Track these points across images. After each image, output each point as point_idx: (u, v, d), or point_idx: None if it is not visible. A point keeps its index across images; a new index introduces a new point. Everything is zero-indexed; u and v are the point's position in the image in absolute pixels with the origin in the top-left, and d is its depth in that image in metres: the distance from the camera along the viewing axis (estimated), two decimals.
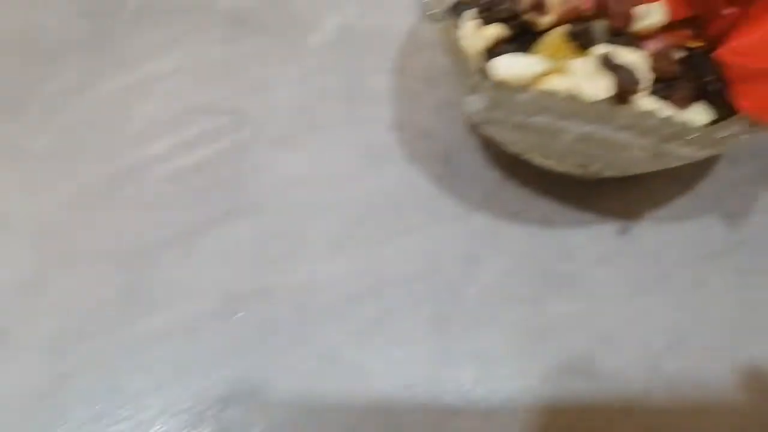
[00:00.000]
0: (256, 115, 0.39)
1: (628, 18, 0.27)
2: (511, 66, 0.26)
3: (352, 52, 0.41)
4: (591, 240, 0.35)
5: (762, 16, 0.25)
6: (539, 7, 0.27)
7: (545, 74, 0.26)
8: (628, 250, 0.34)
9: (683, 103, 0.26)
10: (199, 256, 0.34)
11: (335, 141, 0.38)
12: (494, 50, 0.27)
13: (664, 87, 0.27)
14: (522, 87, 0.26)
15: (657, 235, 0.34)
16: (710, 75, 0.26)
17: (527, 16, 0.27)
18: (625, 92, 0.25)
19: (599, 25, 0.27)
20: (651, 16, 0.27)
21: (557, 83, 0.26)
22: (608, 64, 0.25)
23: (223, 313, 0.32)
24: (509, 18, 0.28)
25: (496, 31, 0.27)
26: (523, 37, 0.28)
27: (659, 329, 0.32)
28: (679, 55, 0.27)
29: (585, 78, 0.25)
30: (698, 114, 0.27)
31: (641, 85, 0.26)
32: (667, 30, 0.28)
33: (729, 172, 0.37)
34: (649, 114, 0.25)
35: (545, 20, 0.27)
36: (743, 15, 0.26)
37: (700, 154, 0.27)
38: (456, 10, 0.29)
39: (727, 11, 0.27)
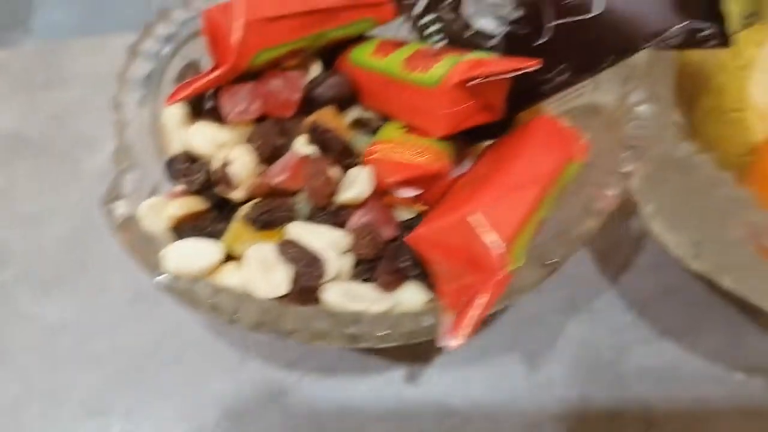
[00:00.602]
0: (22, 251, 0.36)
1: (325, 193, 0.23)
2: (183, 256, 0.23)
3: None
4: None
5: (443, 206, 0.22)
6: (226, 181, 0.24)
7: (222, 263, 0.23)
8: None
9: (392, 284, 0.23)
10: None
11: (105, 284, 0.34)
12: (185, 227, 0.24)
13: (367, 268, 0.24)
14: (196, 278, 0.23)
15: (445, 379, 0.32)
16: (405, 257, 0.23)
17: (218, 190, 0.24)
18: (304, 289, 0.22)
19: (301, 201, 0.24)
20: (355, 187, 0.24)
21: (231, 276, 0.23)
22: (288, 253, 0.22)
23: None
24: (205, 189, 0.25)
25: (180, 208, 0.24)
26: (224, 210, 0.25)
27: None
28: (388, 230, 0.24)
29: (260, 270, 0.22)
30: (411, 296, 0.24)
31: (325, 277, 0.22)
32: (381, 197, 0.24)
33: (530, 305, 0.34)
34: (321, 313, 0.21)
35: (236, 195, 0.24)
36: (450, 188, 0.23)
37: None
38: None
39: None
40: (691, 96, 0.28)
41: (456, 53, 0.24)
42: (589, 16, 0.23)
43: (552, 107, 0.30)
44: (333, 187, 0.24)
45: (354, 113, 0.28)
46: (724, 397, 0.32)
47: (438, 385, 0.32)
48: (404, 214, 0.25)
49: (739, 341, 0.33)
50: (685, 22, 0.23)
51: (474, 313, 0.19)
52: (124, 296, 0.33)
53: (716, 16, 0.22)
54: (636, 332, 0.33)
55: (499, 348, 0.33)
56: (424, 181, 0.23)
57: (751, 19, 0.27)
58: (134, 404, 0.31)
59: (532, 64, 0.22)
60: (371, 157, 0.23)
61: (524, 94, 0.27)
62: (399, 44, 0.27)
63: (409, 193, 0.22)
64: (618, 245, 0.36)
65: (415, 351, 0.33)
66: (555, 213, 0.24)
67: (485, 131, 0.26)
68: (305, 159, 0.24)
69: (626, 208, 0.35)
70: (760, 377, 0.32)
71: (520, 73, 0.22)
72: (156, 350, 0.32)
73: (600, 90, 0.28)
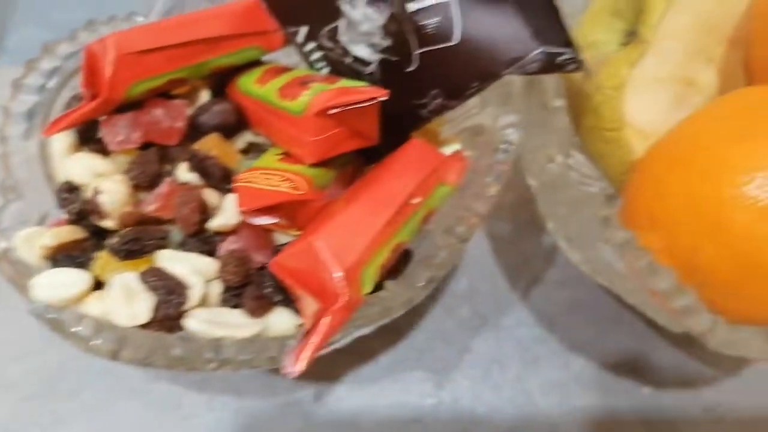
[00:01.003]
0: None
1: (192, 222, 0.24)
2: (51, 285, 0.23)
3: None
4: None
5: (304, 232, 0.22)
6: (98, 211, 0.24)
7: (90, 292, 0.23)
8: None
9: (258, 309, 0.24)
10: None
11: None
12: (60, 256, 0.25)
13: (235, 294, 0.24)
14: (63, 307, 0.23)
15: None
16: (269, 283, 0.23)
17: (92, 219, 0.25)
18: (165, 317, 0.23)
19: (175, 229, 0.25)
20: (223, 214, 0.24)
21: (95, 305, 0.23)
22: (149, 281, 0.23)
23: None
24: (81, 218, 0.25)
25: (53, 238, 0.24)
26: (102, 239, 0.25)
27: None
28: (260, 256, 0.24)
29: (123, 299, 0.23)
30: (280, 320, 0.24)
31: (188, 304, 0.23)
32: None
33: (439, 321, 0.34)
34: (177, 340, 0.22)
35: (108, 224, 0.24)
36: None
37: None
38: None
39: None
40: (575, 115, 0.29)
41: (324, 82, 0.25)
42: (450, 44, 0.24)
43: (447, 127, 0.31)
44: (202, 215, 0.24)
45: (246, 138, 0.29)
46: (632, 410, 0.32)
47: (346, 402, 0.32)
48: (283, 239, 0.25)
49: (647, 355, 0.33)
50: (541, 49, 0.23)
51: (314, 340, 0.20)
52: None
53: (569, 42, 0.23)
54: (544, 347, 0.34)
55: (408, 365, 0.33)
56: (289, 208, 0.23)
57: (628, 38, 0.28)
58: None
59: (382, 94, 0.22)
60: (236, 184, 0.23)
61: (407, 117, 0.27)
62: (283, 71, 0.28)
63: (268, 220, 0.22)
64: (528, 260, 0.36)
65: (323, 370, 0.33)
66: (421, 236, 0.25)
67: (380, 154, 0.27)
68: (176, 187, 0.25)
69: (537, 224, 0.36)
70: (667, 390, 0.33)
71: (373, 102, 0.22)
72: (62, 376, 0.32)
73: (484, 112, 0.28)
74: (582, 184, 0.31)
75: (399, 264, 0.25)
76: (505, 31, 0.23)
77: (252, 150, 0.29)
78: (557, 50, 0.23)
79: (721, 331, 0.23)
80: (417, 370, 0.33)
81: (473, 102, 0.29)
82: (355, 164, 0.28)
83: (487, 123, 0.28)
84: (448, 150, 0.29)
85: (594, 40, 0.29)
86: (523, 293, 0.35)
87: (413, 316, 0.34)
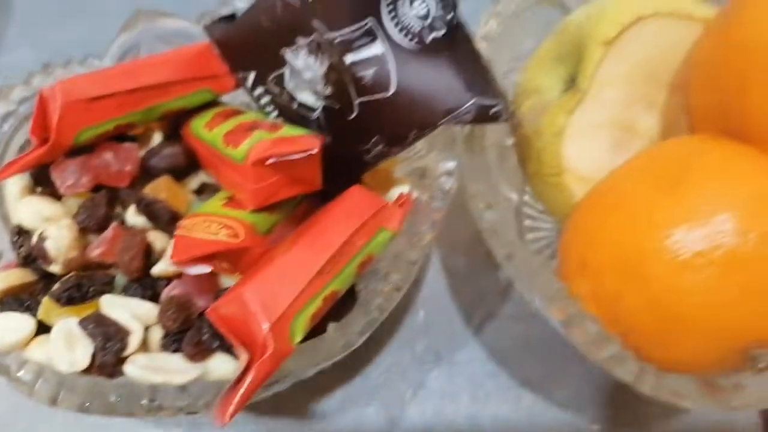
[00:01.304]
0: None
1: (133, 267, 0.24)
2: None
3: None
4: None
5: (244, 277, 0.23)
6: (44, 257, 0.25)
7: (35, 337, 0.24)
8: None
9: (196, 355, 0.24)
10: None
11: None
12: (8, 299, 0.25)
13: (175, 339, 0.25)
14: (7, 351, 0.24)
15: None
16: (207, 329, 0.24)
17: (40, 264, 0.25)
18: (104, 363, 0.23)
19: (119, 273, 0.25)
20: (167, 260, 0.25)
21: (39, 350, 0.24)
22: (88, 328, 0.23)
23: None
24: (30, 262, 0.26)
25: (3, 280, 0.25)
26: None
27: None
28: (203, 301, 0.25)
29: (64, 345, 0.23)
30: (220, 366, 0.25)
31: (128, 350, 0.23)
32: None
33: (394, 356, 0.35)
34: (114, 386, 0.22)
35: (54, 269, 0.25)
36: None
37: None
38: None
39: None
40: (521, 160, 0.30)
41: (267, 129, 0.25)
42: (387, 95, 0.25)
43: (400, 167, 0.32)
44: (145, 260, 0.25)
45: (201, 178, 0.30)
46: None
47: None
48: (228, 282, 0.26)
49: (597, 391, 0.34)
50: (474, 100, 0.24)
51: (239, 392, 0.20)
52: None
53: (498, 94, 0.23)
54: (495, 382, 0.34)
55: (361, 400, 0.34)
56: (228, 255, 0.24)
57: (570, 85, 0.28)
58: None
59: (315, 147, 0.23)
60: (175, 232, 0.24)
61: (352, 161, 0.28)
62: (233, 114, 0.28)
63: (203, 269, 0.23)
64: (483, 296, 0.36)
65: (279, 405, 0.33)
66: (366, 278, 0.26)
67: (331, 195, 0.27)
68: (120, 232, 0.25)
69: (493, 260, 0.36)
70: (616, 428, 0.33)
71: (308, 153, 0.23)
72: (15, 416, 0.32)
73: (429, 156, 0.29)
74: (533, 219, 0.31)
75: (342, 308, 0.26)
76: (440, 83, 0.24)
77: (206, 190, 0.30)
78: (489, 102, 0.24)
79: (649, 379, 0.23)
80: (371, 405, 0.34)
81: (421, 144, 0.30)
82: (308, 205, 0.29)
83: (431, 167, 0.28)
84: (397, 191, 0.29)
85: (538, 85, 0.30)
86: (477, 328, 0.36)
87: (370, 350, 0.35)
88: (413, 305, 0.36)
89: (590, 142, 0.27)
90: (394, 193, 0.28)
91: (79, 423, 0.32)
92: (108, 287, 0.25)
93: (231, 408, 0.20)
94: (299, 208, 0.28)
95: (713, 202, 0.21)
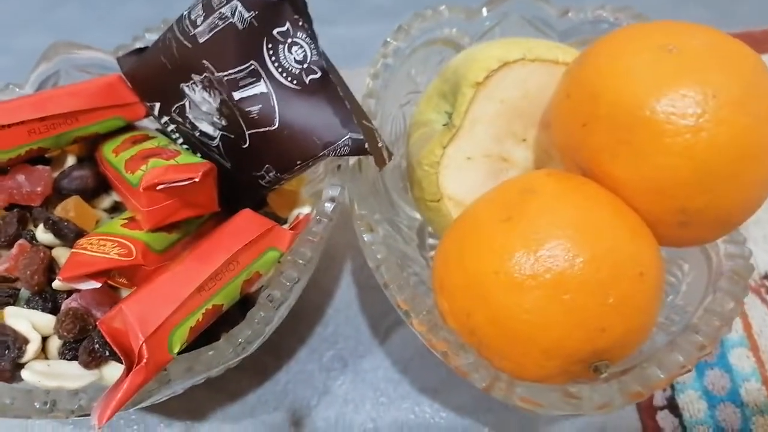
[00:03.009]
0: None
1: (35, 282, 0.27)
2: None
3: None
4: None
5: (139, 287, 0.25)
6: None
7: None
8: None
9: (90, 362, 0.26)
10: None
11: None
12: None
13: (71, 348, 0.27)
14: None
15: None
16: (99, 339, 0.26)
17: None
18: (1, 369, 0.25)
19: (23, 288, 0.27)
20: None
21: None
22: None
23: None
24: None
25: None
26: None
27: None
28: (100, 312, 0.27)
29: None
30: (114, 372, 0.27)
31: (25, 358, 0.26)
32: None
33: (302, 364, 0.37)
34: (8, 390, 0.24)
35: None
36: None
37: None
38: None
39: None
40: (409, 186, 0.32)
41: (163, 157, 0.28)
42: (273, 128, 0.27)
43: (306, 189, 0.34)
44: (47, 275, 0.27)
45: (113, 197, 0.32)
46: None
47: None
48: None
49: (488, 399, 0.36)
50: (349, 135, 0.26)
51: (116, 396, 0.23)
52: None
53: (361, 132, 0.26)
54: (396, 389, 0.37)
55: (271, 405, 0.36)
56: (123, 270, 0.26)
57: (447, 123, 0.31)
58: None
59: (197, 174, 0.25)
60: (72, 249, 0.26)
61: (251, 186, 0.30)
62: (140, 140, 0.31)
63: (93, 285, 0.25)
64: (390, 308, 0.39)
65: (194, 407, 0.36)
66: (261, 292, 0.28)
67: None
68: (25, 248, 0.27)
69: None
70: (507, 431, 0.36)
71: (193, 181, 0.26)
72: None
73: (323, 181, 0.32)
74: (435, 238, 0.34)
75: (235, 318, 0.28)
76: (318, 119, 0.27)
77: (119, 208, 0.32)
78: (362, 137, 0.27)
79: (500, 386, 0.26)
80: (279, 410, 0.36)
81: (320, 169, 0.32)
82: (215, 223, 0.31)
83: (323, 191, 0.31)
84: (302, 211, 0.32)
85: (427, 118, 0.32)
86: (383, 338, 0.38)
87: (281, 357, 0.37)
88: (324, 316, 0.39)
89: (466, 171, 0.30)
90: (300, 212, 0.31)
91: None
92: (12, 299, 0.27)
93: (108, 411, 0.22)
94: (204, 227, 0.31)
95: (545, 230, 0.24)
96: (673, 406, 0.36)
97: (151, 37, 0.32)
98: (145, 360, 0.23)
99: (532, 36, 0.35)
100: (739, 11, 0.54)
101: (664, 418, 0.36)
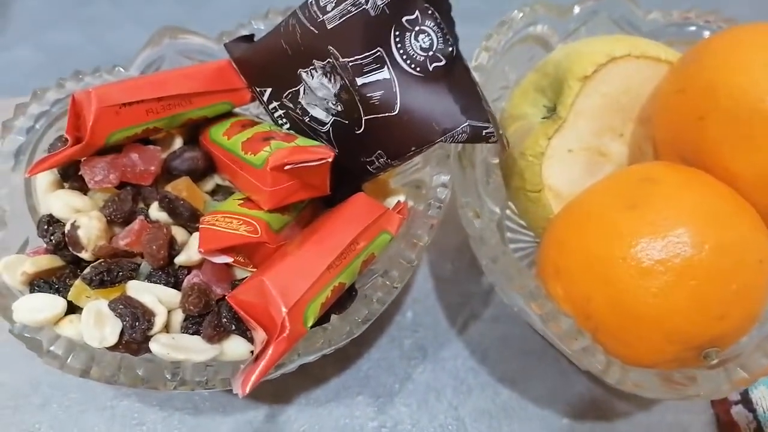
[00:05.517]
0: None
1: (159, 257, 0.27)
2: (29, 308, 0.26)
3: None
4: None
5: (260, 269, 0.26)
6: (75, 244, 0.27)
7: (65, 316, 0.26)
8: None
9: (215, 336, 0.27)
10: None
11: None
12: (39, 282, 0.28)
13: (195, 322, 0.27)
14: (40, 328, 0.26)
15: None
16: (226, 314, 0.27)
17: (72, 250, 0.28)
18: (130, 340, 0.26)
19: (144, 262, 0.28)
20: (189, 251, 0.28)
21: (70, 327, 0.26)
22: (117, 309, 0.26)
23: None
24: (60, 249, 0.28)
25: (33, 265, 0.27)
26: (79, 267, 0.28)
27: None
28: (220, 289, 0.28)
29: (94, 323, 0.26)
30: (235, 347, 0.27)
31: (153, 330, 0.26)
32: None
33: (384, 352, 0.38)
34: (142, 361, 0.25)
35: (85, 255, 0.28)
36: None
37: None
38: None
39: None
40: (505, 176, 0.33)
41: (283, 139, 0.28)
42: (392, 114, 0.28)
43: (396, 179, 0.35)
44: (169, 251, 0.27)
45: (215, 181, 0.33)
46: None
47: (295, 423, 0.35)
48: (241, 274, 0.29)
49: (567, 388, 0.37)
50: (468, 123, 0.27)
51: (260, 366, 0.23)
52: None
53: (489, 118, 0.27)
54: (476, 378, 0.37)
55: (353, 390, 0.37)
56: (246, 248, 0.27)
57: (550, 113, 0.32)
58: None
59: (329, 156, 0.26)
60: (200, 225, 0.27)
61: (357, 171, 0.31)
62: (250, 125, 0.31)
63: (225, 259, 0.26)
64: (467, 299, 0.40)
65: (278, 391, 0.36)
66: (364, 277, 0.29)
67: (335, 201, 0.31)
68: (146, 225, 0.28)
69: (477, 266, 0.40)
70: (584, 422, 0.36)
71: (322, 162, 0.26)
72: (33, 389, 0.34)
73: (424, 170, 0.32)
74: (513, 232, 0.35)
75: (345, 300, 0.29)
76: (439, 106, 0.28)
77: (219, 192, 0.33)
78: (481, 124, 0.27)
79: (615, 371, 0.26)
80: (362, 395, 0.36)
81: (417, 159, 0.33)
82: (313, 209, 0.32)
83: (426, 179, 0.32)
84: (393, 200, 0.33)
85: (522, 112, 0.33)
86: (460, 328, 0.39)
87: (362, 345, 0.38)
88: (403, 306, 0.40)
89: (567, 164, 0.31)
90: (392, 201, 0.32)
91: (90, 401, 0.34)
92: (134, 274, 0.28)
93: (252, 379, 0.23)
94: (305, 211, 0.31)
95: (672, 217, 0.25)
96: (747, 401, 0.37)
97: (257, 24, 0.33)
98: (288, 331, 0.23)
99: None
100: None
101: (738, 412, 0.37)
